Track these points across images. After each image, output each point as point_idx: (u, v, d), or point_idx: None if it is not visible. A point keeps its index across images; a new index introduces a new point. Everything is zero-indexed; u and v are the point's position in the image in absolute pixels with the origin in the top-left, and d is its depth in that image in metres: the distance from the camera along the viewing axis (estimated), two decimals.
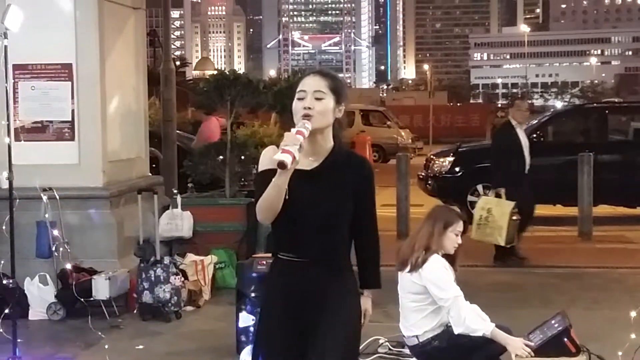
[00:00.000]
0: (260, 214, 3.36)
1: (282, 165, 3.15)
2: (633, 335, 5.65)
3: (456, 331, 4.99)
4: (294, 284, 3.43)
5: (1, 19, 6.12)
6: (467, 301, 5.03)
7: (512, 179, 9.56)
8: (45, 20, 7.96)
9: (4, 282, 6.99)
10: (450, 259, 5.20)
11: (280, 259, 3.49)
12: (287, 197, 3.28)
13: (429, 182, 14.29)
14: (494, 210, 9.36)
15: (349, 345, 3.51)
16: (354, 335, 3.56)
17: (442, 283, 5.03)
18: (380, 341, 6.39)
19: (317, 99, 3.40)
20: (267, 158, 3.40)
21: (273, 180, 3.24)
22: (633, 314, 5.64)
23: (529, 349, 4.90)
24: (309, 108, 3.37)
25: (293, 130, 3.27)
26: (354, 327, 3.55)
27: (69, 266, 7.53)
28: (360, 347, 6.22)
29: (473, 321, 4.96)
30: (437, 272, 5.05)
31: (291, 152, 3.15)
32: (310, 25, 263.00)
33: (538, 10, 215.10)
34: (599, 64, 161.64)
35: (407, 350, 5.64)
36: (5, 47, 6.04)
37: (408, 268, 5.12)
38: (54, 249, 7.62)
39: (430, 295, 5.09)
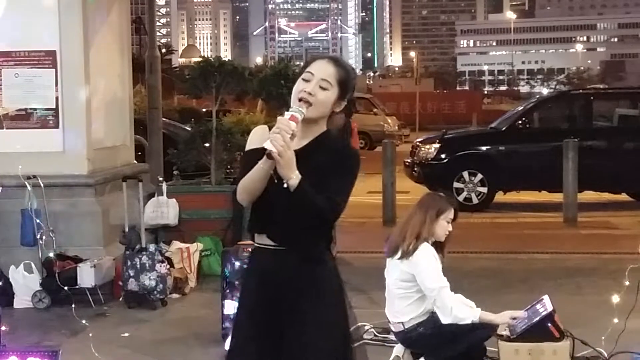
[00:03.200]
0: (240, 194, 3.27)
1: (269, 156, 3.08)
2: (616, 320, 5.69)
3: (444, 321, 5.01)
4: (268, 273, 3.33)
5: None
6: (452, 291, 5.06)
7: None
8: (29, 7, 7.91)
9: None
10: (440, 246, 5.21)
11: (257, 248, 3.40)
12: (276, 180, 3.17)
13: (415, 169, 14.32)
14: None
15: (336, 348, 3.37)
16: (339, 338, 3.40)
17: (430, 273, 5.04)
18: (366, 327, 6.40)
19: (322, 87, 3.26)
20: (257, 137, 3.30)
21: (259, 163, 3.15)
22: (616, 299, 5.68)
23: (516, 315, 5.03)
24: (310, 94, 3.24)
25: (287, 114, 3.16)
26: (337, 329, 3.39)
27: (53, 254, 7.51)
28: None
29: (460, 310, 4.99)
30: (426, 261, 5.07)
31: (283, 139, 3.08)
32: (297, 12, 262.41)
33: None
34: (585, 50, 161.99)
35: (392, 337, 5.66)
36: None
37: (398, 255, 5.12)
38: (38, 237, 7.58)
39: (417, 283, 5.11)
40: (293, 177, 3.11)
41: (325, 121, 3.35)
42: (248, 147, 3.35)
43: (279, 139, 3.07)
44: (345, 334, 3.46)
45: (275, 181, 3.17)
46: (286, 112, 3.18)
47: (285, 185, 3.14)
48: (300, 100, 3.24)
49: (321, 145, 3.31)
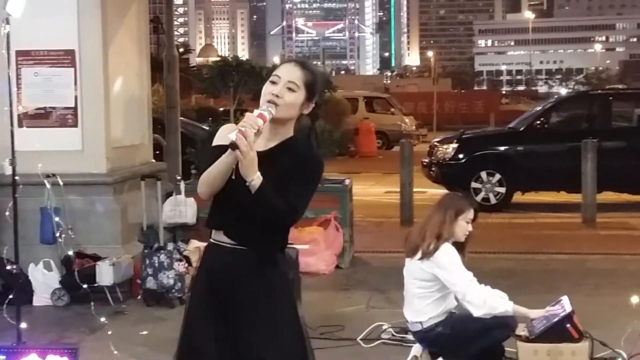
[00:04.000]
0: (200, 187, 3.32)
1: (233, 146, 3.13)
2: (636, 321, 5.66)
3: (476, 313, 4.98)
4: (222, 270, 3.38)
5: (3, 5, 6.11)
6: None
7: None
8: (48, 6, 7.93)
9: (8, 268, 7.01)
10: (460, 246, 5.20)
11: (212, 244, 3.44)
12: (232, 176, 3.24)
13: (433, 168, 14.29)
14: None
15: (288, 347, 3.40)
16: (291, 336, 3.42)
17: (455, 269, 5.04)
18: (384, 327, 6.40)
19: (289, 89, 3.34)
20: (223, 134, 3.36)
21: (222, 157, 3.22)
22: (636, 299, 5.65)
23: (552, 312, 5.06)
24: (277, 96, 3.32)
25: (256, 111, 3.24)
26: (288, 328, 3.41)
27: (72, 252, 7.55)
28: (363, 333, 6.29)
29: (494, 300, 4.99)
30: (448, 259, 5.06)
31: (247, 134, 3.14)
32: (314, 11, 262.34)
33: None
34: (604, 50, 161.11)
35: (410, 336, 5.66)
36: (8, 33, 6.03)
37: (419, 255, 5.12)
38: (58, 235, 7.62)
39: (437, 283, 5.10)
40: (254, 178, 3.19)
41: (293, 125, 3.42)
42: (215, 143, 3.41)
43: (244, 131, 3.13)
44: (298, 332, 3.47)
45: (233, 177, 3.23)
46: (255, 110, 3.26)
47: (247, 184, 3.20)
48: (268, 102, 3.31)
49: (287, 150, 3.37)
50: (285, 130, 3.40)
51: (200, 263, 3.58)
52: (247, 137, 3.13)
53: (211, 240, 3.45)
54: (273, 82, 3.36)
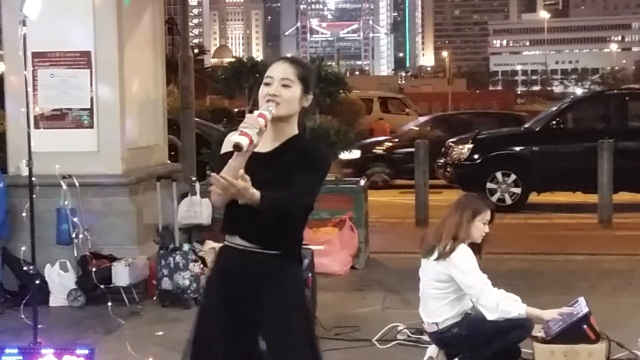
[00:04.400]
0: (213, 195, 3.32)
1: (237, 147, 3.14)
2: None
3: (490, 317, 4.97)
4: (235, 271, 3.39)
5: (20, 6, 6.14)
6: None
7: None
8: (64, 8, 7.96)
9: (25, 268, 7.04)
10: (477, 247, 5.19)
11: (226, 246, 3.46)
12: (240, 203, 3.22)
13: (448, 169, 14.26)
14: None
15: (299, 346, 3.41)
16: (303, 339, 3.43)
17: (470, 271, 5.03)
18: (399, 328, 6.39)
19: (284, 85, 3.37)
20: (229, 142, 3.37)
21: (229, 162, 3.23)
22: None
23: (565, 312, 5.03)
24: (275, 95, 3.34)
25: (255, 112, 3.26)
26: (300, 329, 3.43)
27: (88, 253, 7.58)
28: (379, 334, 6.28)
29: (506, 304, 4.97)
30: (464, 260, 5.05)
31: (249, 134, 3.15)
32: (329, 12, 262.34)
33: None
34: (620, 50, 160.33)
35: (426, 337, 5.64)
36: (24, 34, 6.06)
37: (435, 256, 5.10)
38: (74, 235, 7.65)
39: (454, 284, 5.08)
40: (252, 198, 3.16)
41: (296, 121, 3.45)
42: (222, 151, 3.41)
43: (247, 129, 3.14)
44: (310, 334, 3.49)
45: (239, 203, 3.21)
46: (255, 111, 3.27)
47: (242, 202, 3.20)
48: (267, 102, 3.33)
49: (292, 148, 3.39)
50: (289, 128, 3.43)
51: (214, 264, 3.60)
52: (249, 136, 3.14)
53: (225, 242, 3.48)
54: (267, 84, 3.39)
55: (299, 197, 3.30)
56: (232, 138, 3.18)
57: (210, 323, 3.46)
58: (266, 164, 3.32)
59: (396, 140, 18.82)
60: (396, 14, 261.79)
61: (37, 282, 6.42)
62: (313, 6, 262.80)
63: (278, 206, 3.24)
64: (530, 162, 13.56)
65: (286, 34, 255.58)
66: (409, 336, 6.27)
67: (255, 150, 3.22)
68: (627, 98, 14.72)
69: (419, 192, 11.91)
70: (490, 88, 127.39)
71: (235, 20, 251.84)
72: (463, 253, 5.06)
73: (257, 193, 3.16)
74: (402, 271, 8.29)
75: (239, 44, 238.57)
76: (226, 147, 3.39)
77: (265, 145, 3.32)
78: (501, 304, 4.95)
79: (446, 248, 5.05)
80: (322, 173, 3.44)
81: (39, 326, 5.95)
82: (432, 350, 5.35)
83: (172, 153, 10.83)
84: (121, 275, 7.40)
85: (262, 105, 3.34)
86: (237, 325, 3.41)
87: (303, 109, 3.45)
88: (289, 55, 3.70)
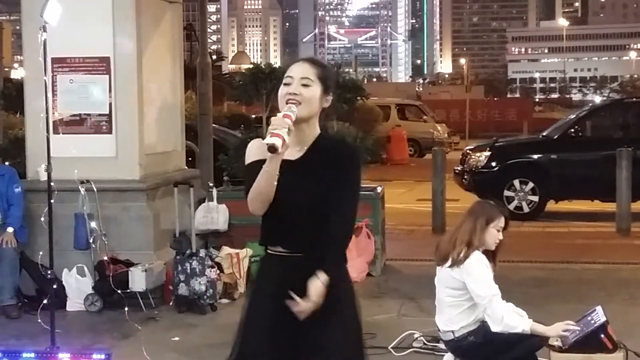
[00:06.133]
0: (252, 204, 3.33)
1: (272, 148, 3.12)
2: None
3: (494, 329, 4.96)
4: (283, 280, 3.35)
5: (41, 12, 6.18)
6: (504, 300, 5.00)
7: None
8: (84, 14, 8.02)
9: (43, 273, 7.09)
10: (491, 255, 5.16)
11: (269, 254, 3.45)
12: (277, 183, 3.25)
13: (465, 176, 14.22)
14: None
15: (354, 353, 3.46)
16: (355, 347, 3.49)
17: (481, 280, 5.00)
18: (415, 335, 6.38)
19: (304, 85, 3.36)
20: (255, 149, 3.38)
21: (263, 167, 3.22)
22: None
23: (569, 329, 4.90)
24: (295, 94, 3.33)
25: (279, 114, 3.25)
26: (353, 340, 3.50)
27: (106, 258, 7.61)
28: (395, 342, 6.27)
29: (511, 319, 4.93)
30: (478, 269, 5.02)
31: (281, 135, 3.14)
32: (347, 19, 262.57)
33: (577, 4, 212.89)
34: (639, 58, 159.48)
35: (442, 345, 5.62)
36: (45, 40, 6.10)
37: (449, 263, 5.08)
38: (91, 240, 7.69)
39: (468, 292, 5.06)
40: (322, 289, 3.25)
41: (317, 123, 3.43)
42: (250, 160, 3.40)
43: (277, 130, 3.14)
44: (360, 341, 3.58)
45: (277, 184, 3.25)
46: (278, 114, 3.27)
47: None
48: (287, 102, 3.32)
49: (318, 152, 3.37)
50: (310, 129, 3.41)
51: (258, 273, 3.59)
52: (281, 137, 3.14)
53: (268, 250, 3.47)
54: (287, 84, 3.38)
55: (350, 219, 3.38)
56: (265, 140, 3.16)
57: (257, 328, 3.45)
58: (298, 172, 3.31)
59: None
60: (414, 20, 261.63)
61: (55, 286, 6.45)
62: (331, 13, 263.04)
63: (340, 254, 3.36)
64: (548, 170, 13.50)
65: (304, 40, 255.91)
66: (425, 344, 6.26)
67: (284, 157, 3.21)
68: None
69: (436, 200, 11.89)
70: (508, 95, 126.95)
71: (253, 26, 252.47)
72: (478, 261, 5.03)
73: (325, 278, 3.25)
74: (418, 278, 8.28)
75: (257, 51, 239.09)
76: (252, 156, 3.38)
77: (292, 151, 3.30)
78: (506, 318, 4.92)
79: (460, 255, 5.03)
80: (358, 182, 3.44)
81: (56, 330, 5.98)
82: (448, 358, 5.32)
83: (190, 159, 10.87)
84: (138, 281, 7.43)
85: (282, 105, 3.34)
86: (290, 333, 3.38)
87: (323, 110, 3.43)
88: (307, 56, 3.72)
